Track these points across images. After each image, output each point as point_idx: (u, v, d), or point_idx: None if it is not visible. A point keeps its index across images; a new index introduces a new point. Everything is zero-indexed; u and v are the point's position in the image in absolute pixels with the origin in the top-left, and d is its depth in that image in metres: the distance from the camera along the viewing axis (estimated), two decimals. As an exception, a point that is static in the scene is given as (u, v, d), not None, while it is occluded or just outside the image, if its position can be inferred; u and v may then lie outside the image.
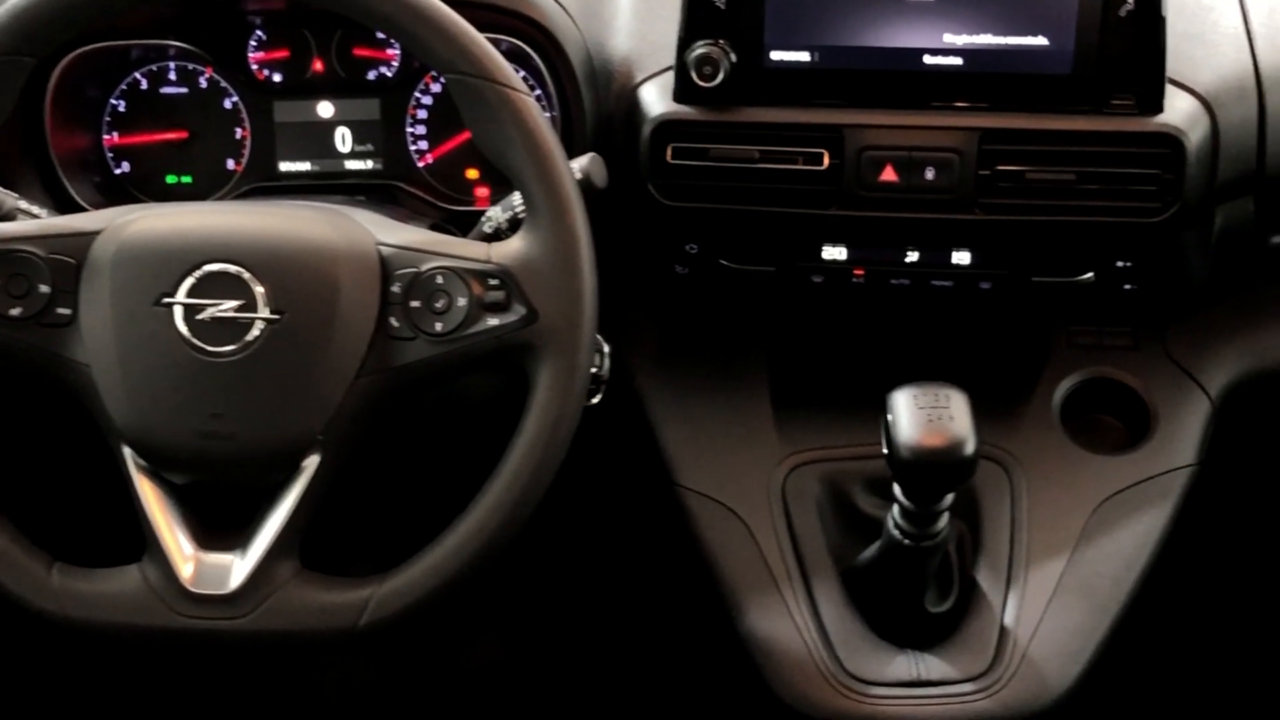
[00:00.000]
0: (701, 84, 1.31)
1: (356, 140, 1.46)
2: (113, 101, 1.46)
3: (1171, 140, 1.28)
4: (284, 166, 1.46)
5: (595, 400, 1.27)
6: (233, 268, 1.11)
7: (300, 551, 1.14)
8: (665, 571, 1.51)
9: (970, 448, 1.16)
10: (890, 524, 1.25)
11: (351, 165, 1.46)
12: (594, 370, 1.25)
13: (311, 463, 1.12)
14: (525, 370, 1.13)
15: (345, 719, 1.96)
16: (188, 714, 1.94)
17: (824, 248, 1.38)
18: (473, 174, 1.47)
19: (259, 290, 1.11)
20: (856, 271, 1.39)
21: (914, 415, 1.17)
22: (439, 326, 1.12)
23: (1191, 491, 1.35)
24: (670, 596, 1.57)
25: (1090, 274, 1.37)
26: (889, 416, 1.18)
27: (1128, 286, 1.38)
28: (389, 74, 1.45)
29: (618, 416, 1.42)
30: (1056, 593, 1.29)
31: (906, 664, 1.27)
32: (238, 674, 1.94)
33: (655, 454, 1.40)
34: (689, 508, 1.36)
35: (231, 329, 1.10)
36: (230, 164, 1.47)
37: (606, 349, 1.28)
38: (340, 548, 1.26)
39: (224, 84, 1.45)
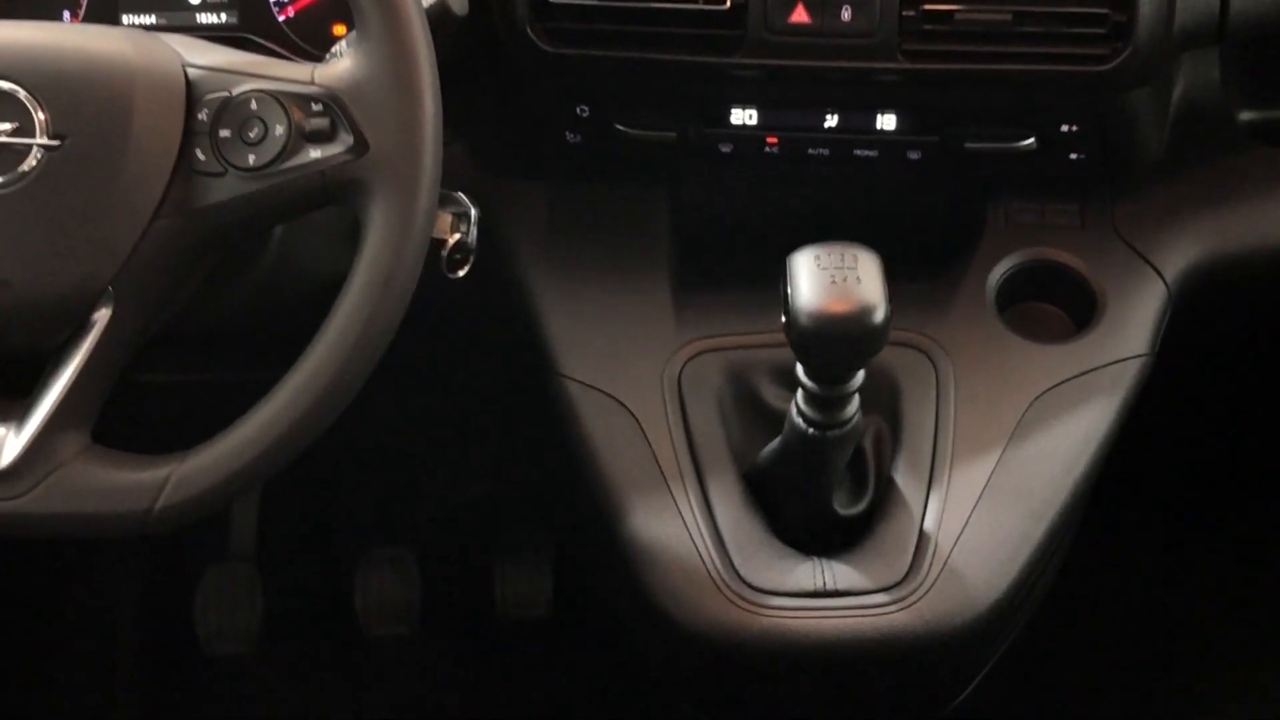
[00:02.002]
0: (585, -96, 1.15)
1: None
2: (-70, -54, 1.29)
3: (1122, -28, 1.12)
4: (127, 19, 1.29)
5: (462, 273, 1.12)
6: (6, 85, 0.95)
7: (96, 427, 0.98)
8: (547, 471, 1.34)
9: (881, 314, 1.00)
10: (794, 411, 1.09)
11: (203, 18, 1.30)
12: (458, 236, 1.10)
13: (101, 318, 0.96)
14: (356, 213, 0.96)
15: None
16: None
17: (732, 110, 1.22)
18: (340, 30, 1.30)
19: (39, 114, 0.95)
20: (769, 140, 1.23)
21: (816, 278, 1.01)
22: (252, 159, 0.96)
23: (1142, 385, 1.19)
24: (553, 497, 1.40)
25: (1031, 139, 1.20)
26: (787, 282, 1.02)
27: (1074, 156, 1.22)
28: (244, -89, 1.28)
29: (496, 299, 1.26)
30: (985, 495, 1.13)
31: (811, 572, 1.11)
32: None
33: (536, 340, 1.23)
34: (571, 399, 1.19)
35: (3, 157, 0.94)
36: (66, 16, 1.30)
37: (474, 214, 1.12)
38: (152, 431, 1.08)
39: (56, -77, 1.29)
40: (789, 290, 1.01)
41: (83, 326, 0.96)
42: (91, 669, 1.81)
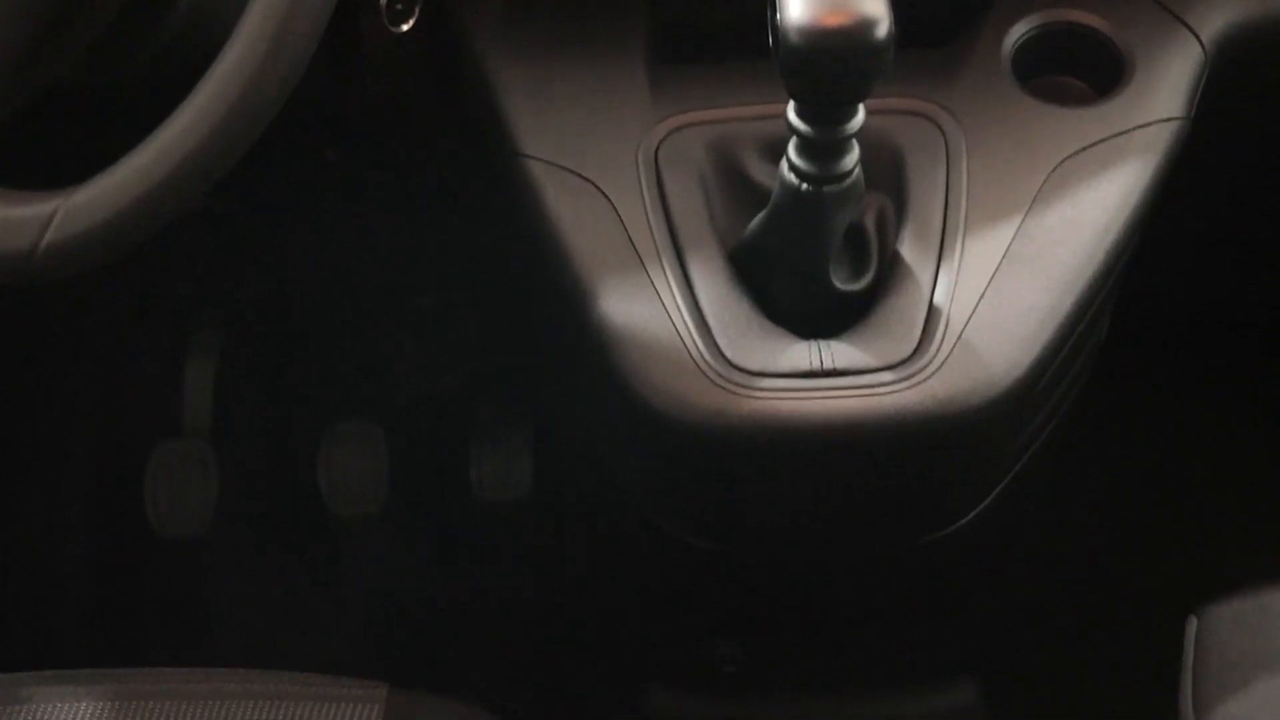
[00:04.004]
0: None
1: None
2: None
3: None
4: None
5: (406, 27, 1.00)
6: None
7: None
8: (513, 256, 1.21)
9: (884, 30, 0.86)
10: (785, 166, 0.96)
11: None
12: None
13: None
14: None
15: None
16: None
17: None
18: None
19: None
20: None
21: None
22: None
23: (1178, 152, 1.05)
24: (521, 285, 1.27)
25: (1049, -121, 1.07)
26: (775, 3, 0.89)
27: (1097, -101, 1.09)
28: None
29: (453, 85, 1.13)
30: (1002, 266, 1.00)
31: (807, 352, 0.98)
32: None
33: (495, 120, 1.09)
34: (535, 180, 1.06)
35: None
36: None
37: None
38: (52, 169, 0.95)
39: None
40: (778, 7, 0.88)
41: None
42: (39, 550, 1.68)
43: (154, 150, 0.82)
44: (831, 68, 0.87)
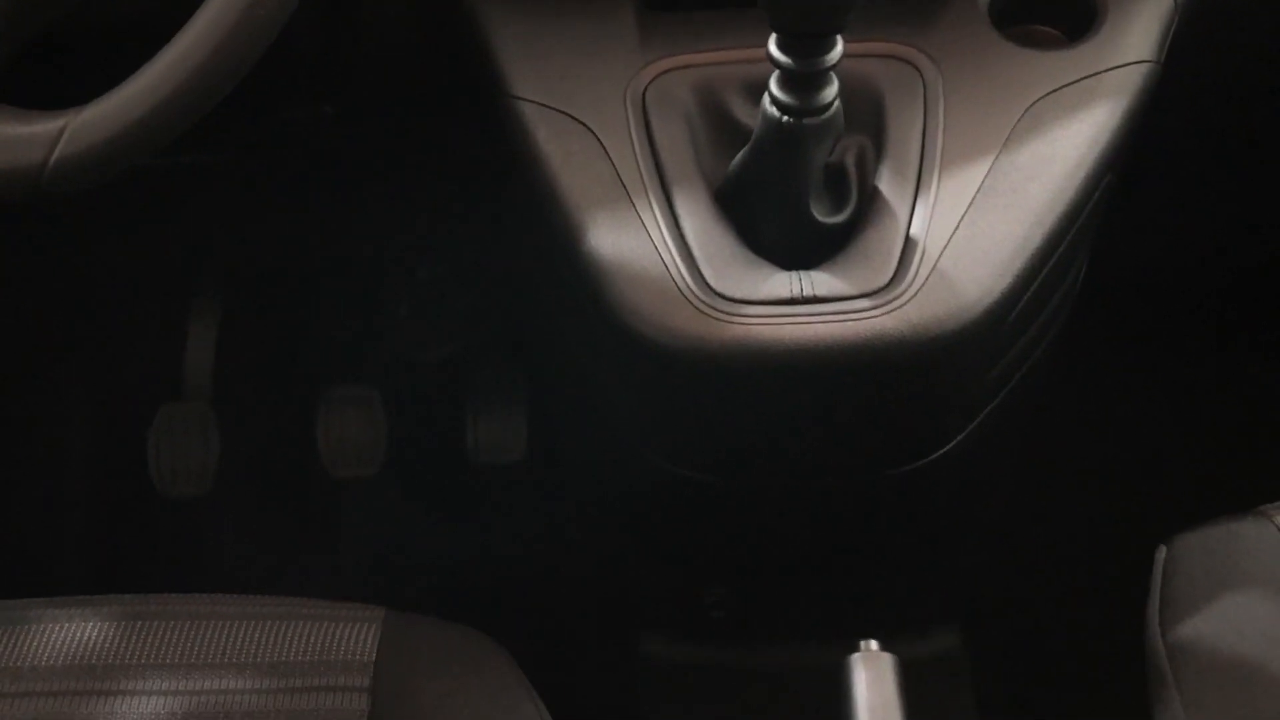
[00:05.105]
0: None
1: None
2: None
3: None
4: None
5: None
6: None
7: None
8: (501, 193, 1.24)
9: None
10: (767, 100, 0.99)
11: None
12: None
13: None
14: None
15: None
16: None
17: None
18: None
19: None
20: None
21: None
22: None
23: (1149, 96, 1.09)
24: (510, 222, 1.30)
25: None
26: None
27: None
28: None
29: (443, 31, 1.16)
30: (977, 200, 1.03)
31: (787, 281, 1.01)
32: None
33: (485, 65, 1.13)
34: (525, 121, 1.09)
35: None
36: None
37: None
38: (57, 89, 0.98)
39: None
40: None
41: None
42: (43, 513, 1.71)
43: (161, 67, 0.85)
44: None
